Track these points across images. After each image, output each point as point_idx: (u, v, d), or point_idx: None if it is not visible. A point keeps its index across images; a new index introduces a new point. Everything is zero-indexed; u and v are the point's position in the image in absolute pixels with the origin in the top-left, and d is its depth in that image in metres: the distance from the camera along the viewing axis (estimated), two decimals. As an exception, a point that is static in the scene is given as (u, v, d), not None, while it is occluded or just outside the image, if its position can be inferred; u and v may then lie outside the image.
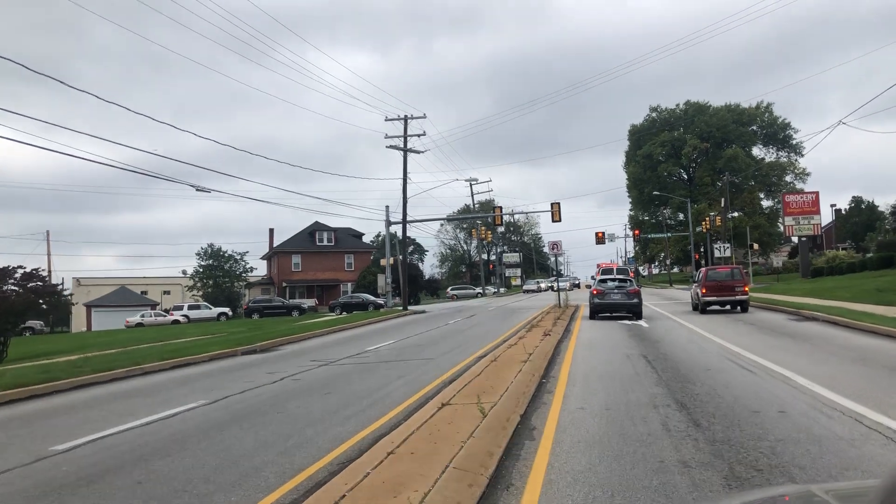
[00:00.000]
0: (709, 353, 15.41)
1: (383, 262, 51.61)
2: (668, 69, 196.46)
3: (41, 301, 29.67)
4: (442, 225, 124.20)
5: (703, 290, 29.85)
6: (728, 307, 30.30)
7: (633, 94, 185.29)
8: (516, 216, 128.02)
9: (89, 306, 79.05)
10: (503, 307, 43.65)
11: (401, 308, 46.78)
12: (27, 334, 54.96)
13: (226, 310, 65.56)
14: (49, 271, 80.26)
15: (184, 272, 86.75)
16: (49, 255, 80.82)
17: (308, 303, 72.21)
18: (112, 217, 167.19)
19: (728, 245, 49.37)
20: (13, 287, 28.30)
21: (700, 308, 30.14)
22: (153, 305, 77.78)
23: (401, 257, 53.06)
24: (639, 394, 10.34)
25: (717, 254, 49.44)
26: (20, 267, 28.24)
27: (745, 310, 29.46)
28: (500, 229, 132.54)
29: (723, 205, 60.83)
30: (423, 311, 45.10)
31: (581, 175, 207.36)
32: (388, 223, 48.85)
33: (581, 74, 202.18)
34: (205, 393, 12.76)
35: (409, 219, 53.62)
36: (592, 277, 61.97)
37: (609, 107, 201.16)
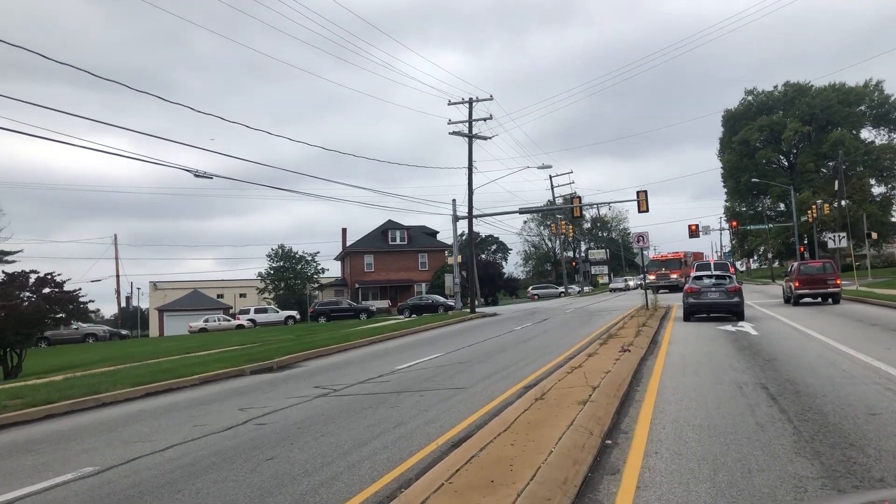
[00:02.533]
0: (856, 379, 10.61)
1: (450, 260, 47.53)
2: (765, 54, 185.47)
3: (57, 309, 26.79)
4: (525, 222, 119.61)
5: (797, 284, 30.99)
6: (819, 299, 31.24)
7: (731, 82, 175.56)
8: (603, 210, 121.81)
9: (161, 311, 77.97)
10: (583, 309, 38.83)
11: (469, 311, 42.46)
12: (43, 345, 53.13)
13: (293, 313, 62.75)
14: (118, 275, 79.92)
15: (259, 274, 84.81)
16: (117, 258, 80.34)
17: (379, 304, 68.93)
18: (208, 222, 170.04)
19: (843, 235, 43.02)
20: (28, 294, 25.50)
21: (793, 300, 31.02)
22: (226, 309, 75.94)
23: (473, 255, 48.77)
24: (771, 476, 5.82)
25: (829, 245, 43.18)
26: (33, 272, 25.36)
27: (836, 302, 30.59)
28: (587, 225, 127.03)
29: (836, 189, 53.99)
30: (494, 314, 40.71)
31: (674, 167, 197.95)
32: (455, 218, 44.64)
33: (675, 64, 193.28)
34: (109, 450, 8.85)
35: (482, 214, 49.41)
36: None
37: (704, 96, 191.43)
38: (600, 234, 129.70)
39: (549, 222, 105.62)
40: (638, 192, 43.63)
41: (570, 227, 77.96)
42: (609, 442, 7.41)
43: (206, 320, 60.42)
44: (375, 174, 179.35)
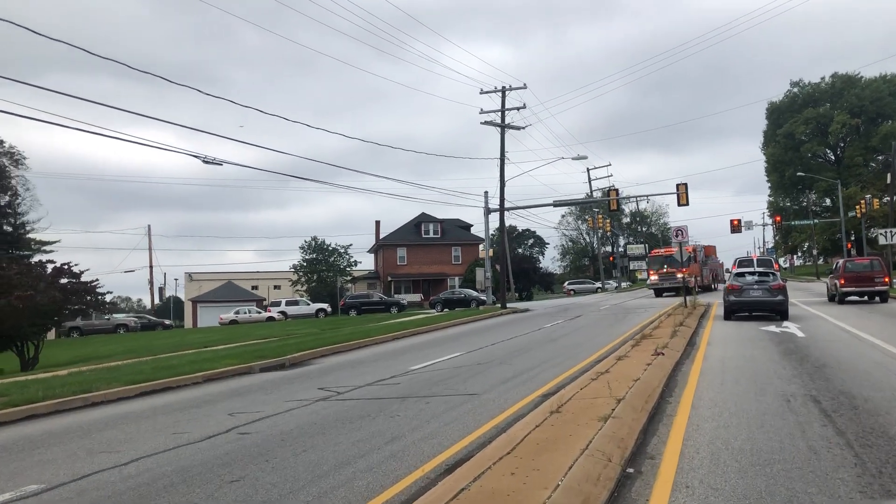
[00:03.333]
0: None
1: (481, 253, 46.31)
2: (811, 45, 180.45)
3: (74, 300, 26.17)
4: (563, 216, 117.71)
5: (842, 281, 29.87)
6: (865, 298, 30.25)
7: (776, 74, 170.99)
8: (642, 205, 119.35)
9: (195, 301, 77.98)
10: (618, 305, 37.36)
11: (500, 306, 41.20)
12: (75, 335, 53.12)
13: (325, 306, 62.00)
14: (150, 266, 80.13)
15: (292, 267, 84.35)
16: (150, 249, 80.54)
17: (411, 298, 68.04)
18: (250, 214, 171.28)
19: (895, 231, 40.91)
20: (44, 285, 24.87)
21: (838, 298, 29.95)
22: (259, 301, 75.61)
23: (505, 249, 47.48)
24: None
25: (881, 241, 41.11)
26: (50, 261, 24.75)
27: (884, 300, 29.66)
28: (626, 220, 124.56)
29: (888, 182, 51.62)
30: (526, 310, 39.41)
31: (717, 161, 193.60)
32: (487, 210, 43.35)
33: (719, 56, 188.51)
34: (67, 463, 7.88)
35: (514, 206, 48.11)
36: (727, 271, 54.08)
37: (748, 88, 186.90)
38: (640, 229, 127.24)
39: (586, 216, 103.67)
40: (678, 185, 42.00)
41: (608, 221, 76.15)
42: (631, 471, 6.22)
43: (237, 312, 59.96)
44: (415, 167, 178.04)
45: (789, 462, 6.30)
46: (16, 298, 22.90)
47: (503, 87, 41.03)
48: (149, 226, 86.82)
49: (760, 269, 26.48)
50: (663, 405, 9.17)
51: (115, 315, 58.34)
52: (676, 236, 31.45)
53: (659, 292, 46.59)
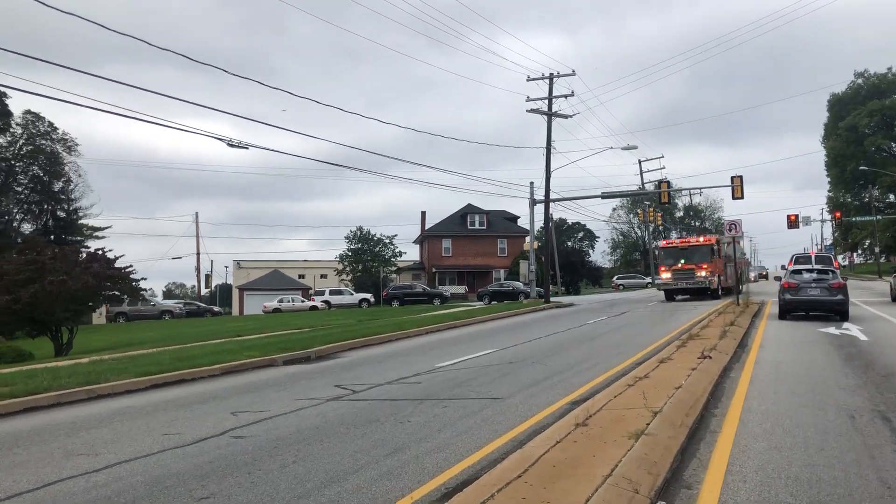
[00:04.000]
0: None
1: (525, 246, 45.18)
2: (876, 35, 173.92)
3: (109, 286, 25.87)
4: (614, 209, 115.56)
5: None
6: None
7: (838, 65, 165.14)
8: (696, 199, 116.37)
9: (242, 289, 78.37)
10: (667, 302, 35.89)
11: (544, 300, 40.00)
12: (121, 320, 53.41)
13: (368, 296, 61.58)
14: (198, 253, 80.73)
15: (338, 256, 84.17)
16: (198, 236, 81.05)
17: (455, 290, 67.23)
18: (305, 204, 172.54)
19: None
20: (83, 269, 24.61)
21: None
22: (304, 290, 75.58)
23: (549, 241, 46.25)
24: None
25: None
26: (84, 247, 24.48)
27: None
28: (679, 214, 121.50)
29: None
30: (571, 305, 38.20)
31: (775, 155, 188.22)
32: (532, 201, 42.11)
33: (780, 47, 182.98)
34: (38, 467, 7.16)
35: (560, 198, 46.84)
36: (783, 267, 51.46)
37: (810, 81, 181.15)
38: (693, 224, 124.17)
39: (637, 210, 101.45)
40: (732, 178, 40.13)
41: (658, 214, 74.13)
42: (661, 505, 5.22)
43: (281, 301, 59.89)
44: (466, 158, 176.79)
45: (857, 499, 5.22)
46: (49, 284, 22.68)
47: (550, 74, 39.74)
48: (196, 213, 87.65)
49: (819, 267, 24.93)
50: (707, 418, 8.10)
51: (161, 301, 58.71)
52: (730, 230, 29.93)
53: (671, 294, 37.44)
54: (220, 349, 17.92)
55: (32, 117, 59.95)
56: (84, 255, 24.93)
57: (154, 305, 59.05)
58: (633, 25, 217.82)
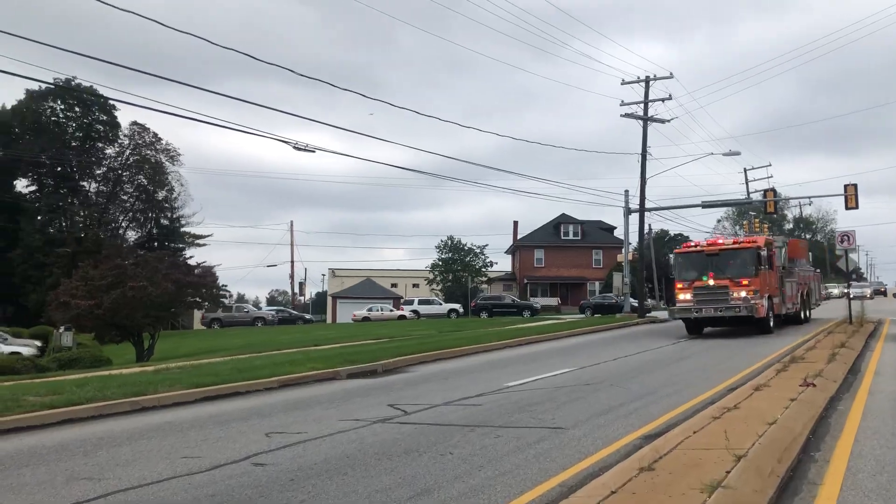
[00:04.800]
0: None
1: (619, 257, 43.35)
2: None
3: (189, 292, 25.95)
4: (719, 220, 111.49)
5: None
6: None
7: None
8: (807, 210, 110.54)
9: (335, 297, 79.06)
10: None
11: (637, 315, 38.07)
12: (216, 326, 54.13)
13: (457, 306, 60.75)
14: (292, 261, 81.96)
15: (429, 266, 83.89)
16: (292, 244, 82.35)
17: (547, 302, 65.69)
18: (405, 214, 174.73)
19: None
20: (164, 276, 24.72)
21: None
22: (396, 299, 75.55)
23: (645, 252, 44.24)
24: None
25: None
26: (167, 255, 24.63)
27: None
28: (788, 226, 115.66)
29: None
30: (666, 321, 36.16)
31: (894, 164, 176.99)
32: (627, 210, 40.24)
33: None
34: (37, 492, 6.48)
35: (657, 207, 44.80)
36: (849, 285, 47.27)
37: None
38: (803, 236, 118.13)
39: (742, 221, 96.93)
40: (846, 186, 37.17)
41: (765, 225, 70.36)
42: None
43: (370, 309, 59.88)
44: (563, 167, 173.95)
45: None
46: (129, 289, 22.83)
47: (647, 77, 37.89)
48: (291, 222, 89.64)
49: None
50: (805, 464, 6.70)
51: (254, 308, 59.63)
52: (842, 242, 27.54)
53: (694, 326, 25.52)
54: (287, 360, 17.33)
55: (138, 128, 62.19)
56: (166, 262, 25.15)
57: (247, 312, 59.98)
58: (742, 32, 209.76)
